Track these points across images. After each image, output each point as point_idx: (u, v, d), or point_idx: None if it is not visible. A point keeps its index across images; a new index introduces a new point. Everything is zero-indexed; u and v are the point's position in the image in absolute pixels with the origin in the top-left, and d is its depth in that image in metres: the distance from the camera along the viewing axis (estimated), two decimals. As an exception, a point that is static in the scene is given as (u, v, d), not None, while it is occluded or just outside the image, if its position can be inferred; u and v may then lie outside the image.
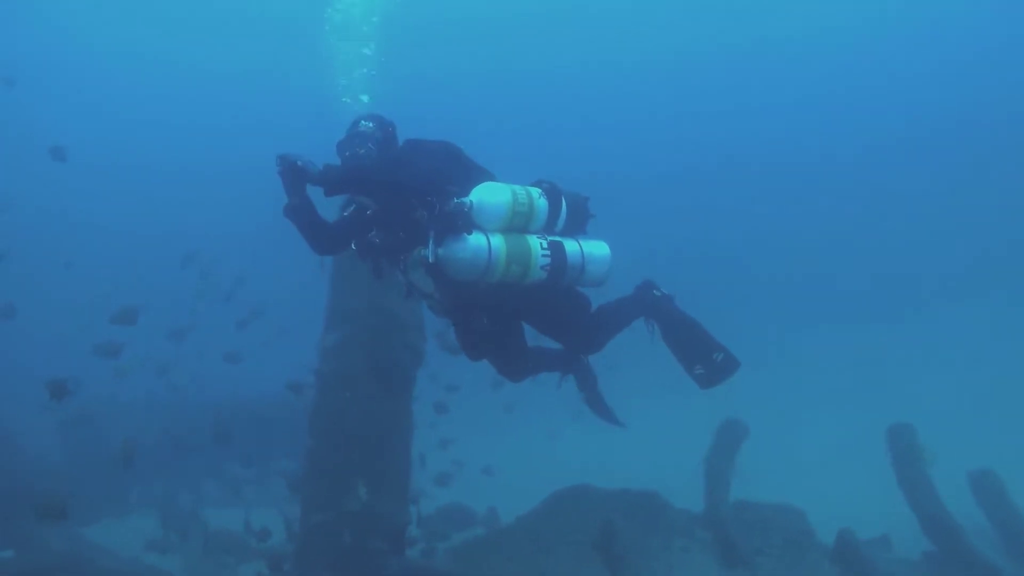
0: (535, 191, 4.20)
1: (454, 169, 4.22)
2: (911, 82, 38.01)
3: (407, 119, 4.55)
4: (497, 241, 3.96)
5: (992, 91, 36.00)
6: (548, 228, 4.22)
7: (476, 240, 3.92)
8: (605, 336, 4.60)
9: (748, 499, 8.28)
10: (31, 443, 12.99)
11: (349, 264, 7.39)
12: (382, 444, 7.52)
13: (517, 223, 4.07)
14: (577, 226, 4.37)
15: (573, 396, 4.84)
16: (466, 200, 3.97)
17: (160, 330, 16.33)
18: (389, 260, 4.33)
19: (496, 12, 33.63)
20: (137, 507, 13.62)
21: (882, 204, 35.15)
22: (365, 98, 6.17)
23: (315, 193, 4.24)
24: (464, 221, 3.92)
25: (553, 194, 4.25)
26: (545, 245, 4.10)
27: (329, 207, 4.49)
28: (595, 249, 4.30)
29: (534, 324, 4.52)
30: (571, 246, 4.20)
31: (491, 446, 16.09)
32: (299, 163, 4.10)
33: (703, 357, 4.46)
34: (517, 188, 4.12)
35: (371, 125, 4.37)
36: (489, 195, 4.02)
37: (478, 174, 4.26)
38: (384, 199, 4.19)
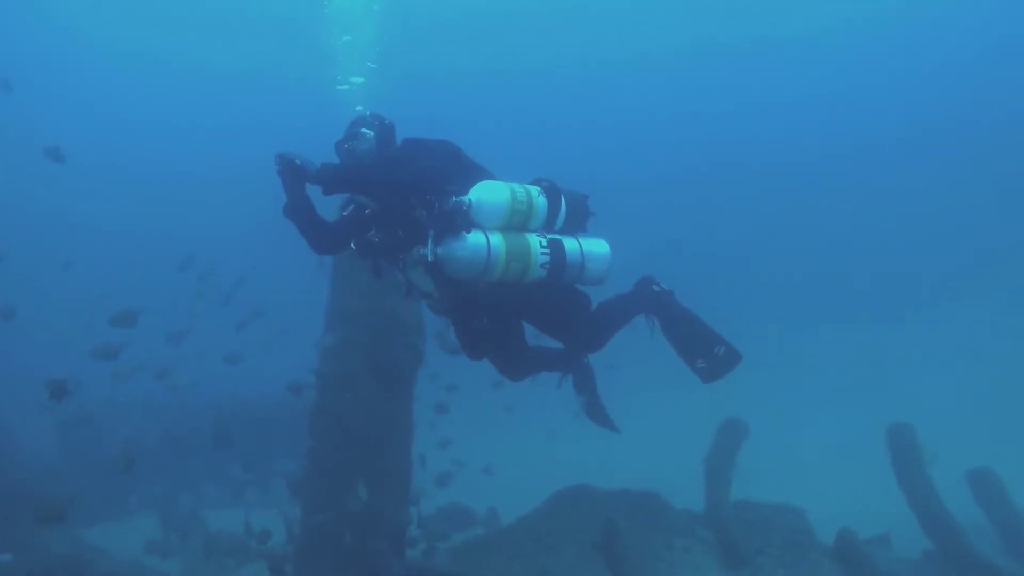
0: (534, 189, 4.18)
1: (453, 168, 4.20)
2: (911, 82, 38.07)
3: (407, 118, 4.53)
4: (496, 239, 3.94)
5: (992, 91, 36.04)
6: (547, 226, 4.20)
7: (475, 239, 3.90)
8: (606, 334, 4.58)
9: (749, 499, 8.28)
10: (30, 444, 12.99)
11: (349, 264, 7.39)
12: (382, 444, 7.51)
13: (516, 221, 4.05)
14: (577, 224, 4.36)
15: (573, 396, 4.83)
16: (465, 199, 3.95)
17: (160, 332, 16.31)
18: (388, 259, 4.31)
19: (496, 11, 33.63)
20: (137, 509, 13.61)
21: (882, 204, 35.19)
22: (358, 79, 6.12)
23: (314, 192, 4.22)
24: (463, 220, 3.90)
25: (552, 192, 4.24)
26: (544, 243, 4.08)
27: (329, 207, 4.48)
28: (595, 247, 4.28)
29: (534, 323, 4.50)
30: (570, 244, 4.19)
31: (491, 446, 16.09)
32: (297, 162, 4.08)
33: (704, 351, 4.45)
34: (516, 186, 4.10)
35: (370, 132, 4.35)
36: (488, 193, 4.00)
37: (477, 173, 4.24)
38: (383, 198, 4.18)
